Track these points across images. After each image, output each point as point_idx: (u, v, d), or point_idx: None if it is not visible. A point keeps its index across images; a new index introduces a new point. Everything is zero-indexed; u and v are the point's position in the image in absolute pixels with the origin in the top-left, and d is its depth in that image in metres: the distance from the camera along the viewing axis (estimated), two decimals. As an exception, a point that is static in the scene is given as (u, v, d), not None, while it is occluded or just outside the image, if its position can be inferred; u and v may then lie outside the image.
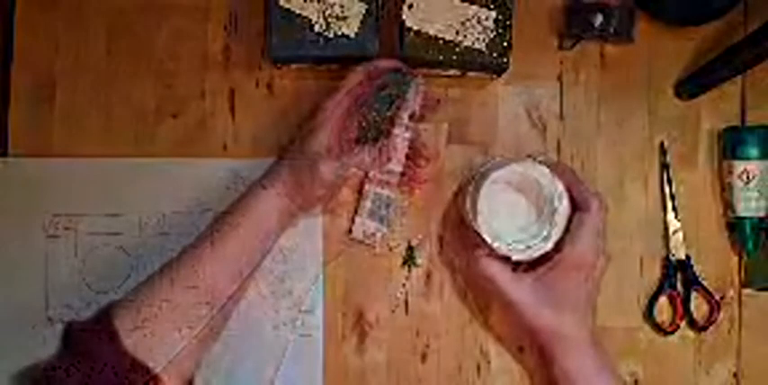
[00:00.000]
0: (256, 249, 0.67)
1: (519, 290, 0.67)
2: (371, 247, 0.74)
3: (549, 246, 0.67)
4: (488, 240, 0.67)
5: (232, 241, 0.65)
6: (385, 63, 0.69)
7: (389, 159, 0.70)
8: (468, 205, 0.69)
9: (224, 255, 0.65)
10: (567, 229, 0.67)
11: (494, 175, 0.67)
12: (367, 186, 0.73)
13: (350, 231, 0.73)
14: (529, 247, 0.67)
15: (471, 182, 0.71)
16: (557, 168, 0.68)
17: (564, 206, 0.67)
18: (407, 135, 0.70)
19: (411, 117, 0.70)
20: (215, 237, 0.65)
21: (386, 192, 0.72)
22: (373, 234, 0.73)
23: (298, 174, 0.66)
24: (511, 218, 0.69)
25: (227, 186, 0.73)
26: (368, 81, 0.69)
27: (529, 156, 0.72)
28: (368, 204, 0.73)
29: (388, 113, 0.69)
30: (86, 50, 0.74)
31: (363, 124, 0.69)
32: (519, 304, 0.67)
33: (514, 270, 0.68)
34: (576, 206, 0.68)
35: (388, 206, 0.72)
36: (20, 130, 0.74)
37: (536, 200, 0.69)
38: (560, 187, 0.67)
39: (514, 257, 0.67)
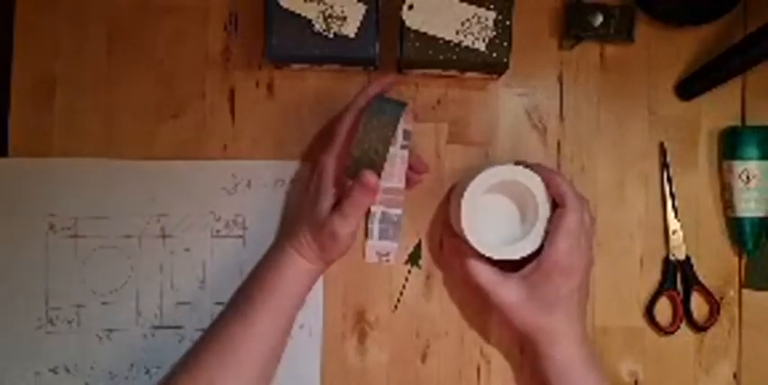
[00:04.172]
0: (292, 318, 0.69)
1: (505, 290, 0.67)
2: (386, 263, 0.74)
3: (534, 246, 0.67)
4: (473, 242, 0.67)
5: (267, 319, 0.67)
6: (376, 87, 0.68)
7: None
8: (453, 208, 0.69)
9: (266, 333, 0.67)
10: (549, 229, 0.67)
11: (476, 178, 0.67)
12: (373, 208, 0.72)
13: (363, 255, 0.73)
14: (513, 248, 0.67)
15: (457, 185, 0.71)
16: (537, 168, 0.68)
17: (546, 205, 0.67)
18: (405, 152, 0.69)
19: (406, 135, 0.69)
20: (251, 317, 0.67)
21: (392, 210, 0.72)
22: (387, 253, 0.72)
23: (319, 240, 0.66)
24: (494, 219, 0.69)
25: (227, 187, 0.73)
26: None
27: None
28: (376, 226, 0.72)
29: (381, 147, 0.64)
30: (86, 51, 0.74)
31: (355, 158, 0.64)
32: (505, 304, 0.67)
33: (503, 270, 0.68)
34: (555, 204, 0.68)
35: (396, 222, 0.72)
36: (20, 131, 0.74)
37: (519, 200, 0.69)
38: (542, 187, 0.67)
39: (497, 257, 0.67)
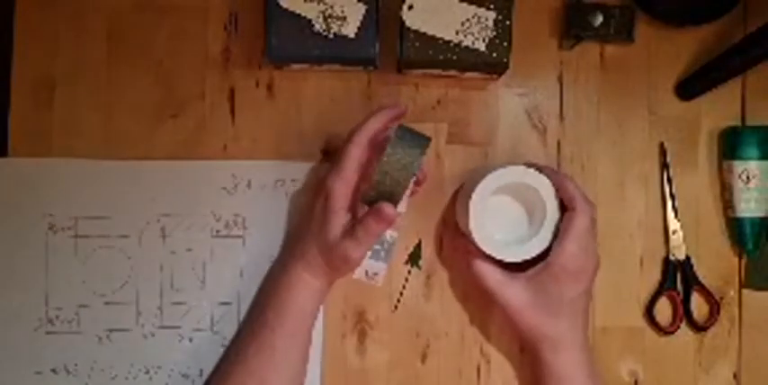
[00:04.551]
0: (309, 337, 0.69)
1: (512, 291, 0.67)
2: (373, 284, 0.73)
3: (541, 248, 0.67)
4: (479, 242, 0.67)
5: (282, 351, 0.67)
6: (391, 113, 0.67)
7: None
8: (459, 209, 0.69)
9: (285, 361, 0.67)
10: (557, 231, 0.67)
11: (485, 179, 0.67)
12: None
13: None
14: (521, 249, 0.67)
15: (464, 185, 0.71)
16: (546, 171, 0.68)
17: (555, 208, 0.67)
18: (413, 179, 0.67)
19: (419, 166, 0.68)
20: (269, 341, 0.67)
21: (389, 233, 0.71)
22: (376, 273, 0.72)
23: (329, 261, 0.66)
24: (501, 220, 0.69)
25: (228, 187, 0.73)
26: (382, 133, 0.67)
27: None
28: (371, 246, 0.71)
29: (403, 179, 0.63)
30: (86, 51, 0.74)
31: (375, 185, 0.63)
32: (511, 306, 0.67)
33: (510, 272, 0.68)
34: (564, 208, 0.68)
35: (390, 245, 0.72)
36: (20, 131, 0.73)
37: (526, 202, 0.69)
38: (551, 189, 0.67)
39: (506, 259, 0.67)
